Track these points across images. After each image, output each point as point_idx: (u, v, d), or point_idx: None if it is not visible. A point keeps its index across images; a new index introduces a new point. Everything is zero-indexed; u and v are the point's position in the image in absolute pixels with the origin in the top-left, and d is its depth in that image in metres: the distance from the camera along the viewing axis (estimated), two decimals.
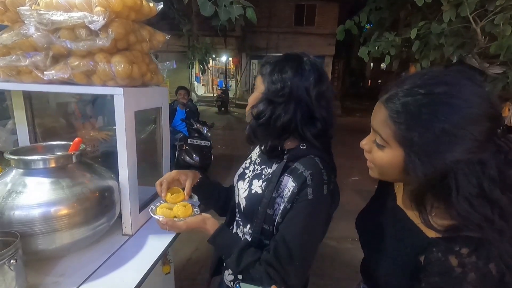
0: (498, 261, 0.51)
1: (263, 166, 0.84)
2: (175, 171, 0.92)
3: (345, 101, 15.08)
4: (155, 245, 1.02)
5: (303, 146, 0.77)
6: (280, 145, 0.78)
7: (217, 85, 15.17)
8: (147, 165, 1.34)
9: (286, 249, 0.70)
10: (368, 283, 0.84)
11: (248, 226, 0.83)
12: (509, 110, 3.22)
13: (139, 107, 1.04)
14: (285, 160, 0.76)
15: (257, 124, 0.78)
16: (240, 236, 0.86)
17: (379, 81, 16.26)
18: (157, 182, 0.87)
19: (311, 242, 0.74)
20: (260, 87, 0.79)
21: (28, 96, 1.29)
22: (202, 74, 13.88)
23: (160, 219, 0.79)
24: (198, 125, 4.06)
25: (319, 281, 2.38)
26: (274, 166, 0.80)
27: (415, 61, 3.62)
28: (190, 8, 8.50)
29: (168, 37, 1.19)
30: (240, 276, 0.83)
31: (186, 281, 2.23)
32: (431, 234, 0.59)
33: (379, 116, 0.59)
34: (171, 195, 0.86)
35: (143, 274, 0.88)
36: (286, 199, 0.73)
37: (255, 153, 0.94)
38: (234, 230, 0.91)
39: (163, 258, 1.15)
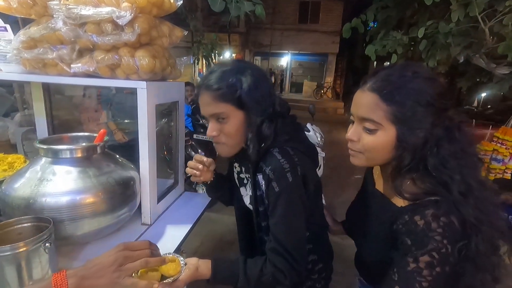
0: (458, 214, 0.58)
1: (247, 174, 0.91)
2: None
3: (347, 99, 15.02)
4: (173, 235, 1.05)
5: (262, 145, 0.79)
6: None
7: None
8: (159, 158, 1.38)
9: (276, 236, 0.77)
10: (362, 272, 0.91)
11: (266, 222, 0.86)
12: None
13: (160, 101, 1.07)
14: (249, 165, 0.84)
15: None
16: (232, 259, 0.81)
17: None
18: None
19: (293, 225, 0.78)
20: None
21: (47, 89, 1.32)
22: (206, 70, 13.86)
23: (154, 286, 0.60)
24: (204, 121, 4.07)
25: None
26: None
27: (421, 60, 3.62)
28: (195, 4, 8.48)
29: (186, 32, 1.22)
30: None
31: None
32: (401, 203, 0.67)
33: (367, 103, 0.66)
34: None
35: None
36: (264, 194, 0.80)
37: (237, 162, 0.98)
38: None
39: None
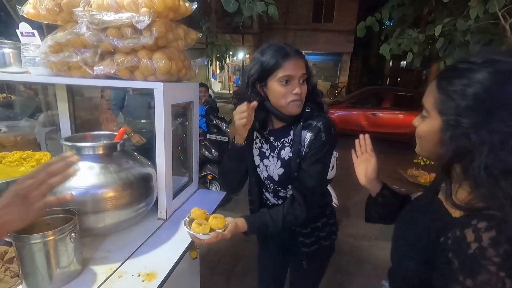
0: None
1: (283, 139, 1.04)
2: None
3: None
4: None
5: (308, 109, 1.00)
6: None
7: (234, 82, 15.29)
8: (174, 157, 1.43)
9: (307, 175, 0.97)
10: (391, 281, 0.81)
11: (290, 187, 1.06)
12: None
13: (175, 101, 1.12)
14: (301, 123, 0.99)
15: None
16: (258, 214, 1.02)
17: (398, 79, 15.85)
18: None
19: (323, 169, 1.00)
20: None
21: (70, 90, 1.40)
22: (220, 71, 14.02)
23: (209, 235, 0.82)
24: (217, 121, 4.13)
25: (336, 276, 2.42)
26: (291, 132, 1.02)
27: (438, 59, 3.54)
28: (209, 5, 8.60)
29: (200, 35, 1.26)
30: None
31: (207, 270, 2.32)
32: (456, 214, 0.58)
33: (429, 88, 0.62)
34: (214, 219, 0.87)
35: (179, 256, 0.95)
36: (305, 146, 0.98)
37: (258, 137, 1.12)
38: (269, 198, 1.15)
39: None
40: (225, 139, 4.06)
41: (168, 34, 1.04)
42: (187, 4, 1.12)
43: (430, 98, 0.61)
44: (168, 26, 1.03)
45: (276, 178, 1.06)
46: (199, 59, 1.29)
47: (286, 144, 1.04)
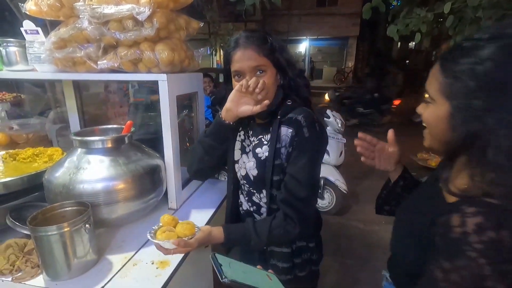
0: None
1: (260, 136, 0.93)
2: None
3: None
4: (198, 218, 1.12)
5: (289, 102, 0.89)
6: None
7: None
8: (182, 150, 1.44)
9: (295, 182, 0.82)
10: (390, 269, 0.80)
11: (264, 192, 0.91)
12: None
13: (180, 92, 1.12)
14: (279, 117, 0.87)
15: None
16: (242, 223, 0.88)
17: (407, 61, 15.42)
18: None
19: (314, 172, 0.86)
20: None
21: (77, 86, 1.41)
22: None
23: (169, 242, 0.71)
24: None
25: (346, 261, 2.44)
26: (271, 128, 0.88)
27: (448, 37, 3.41)
28: None
29: (202, 24, 1.25)
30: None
31: None
32: (451, 200, 0.56)
33: (431, 72, 0.58)
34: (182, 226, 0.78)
35: None
36: (287, 145, 0.84)
37: (242, 129, 1.00)
38: (243, 202, 1.01)
39: None
40: None
41: (169, 25, 1.03)
42: None
43: (434, 83, 0.56)
44: (169, 16, 1.02)
45: (251, 178, 0.93)
46: (201, 49, 1.28)
47: (265, 142, 0.90)
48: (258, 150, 0.91)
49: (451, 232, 0.49)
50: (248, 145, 0.96)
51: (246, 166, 0.95)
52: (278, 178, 0.87)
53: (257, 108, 0.83)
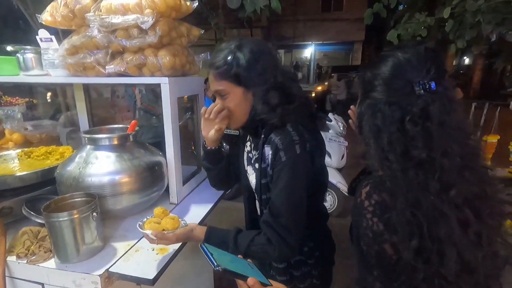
0: (391, 193, 0.58)
1: (256, 151, 0.91)
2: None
3: None
4: (198, 213, 1.19)
5: (275, 120, 0.83)
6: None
7: None
8: (187, 153, 1.52)
9: (274, 207, 0.80)
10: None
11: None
12: None
13: (181, 94, 1.21)
14: (262, 135, 0.84)
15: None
16: (228, 229, 0.87)
17: None
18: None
19: (294, 197, 0.79)
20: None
21: (87, 90, 1.52)
22: None
23: (149, 232, 0.78)
24: None
25: (346, 261, 2.46)
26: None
27: (449, 41, 3.45)
28: (216, 1, 8.63)
29: (202, 31, 1.33)
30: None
31: None
32: None
33: None
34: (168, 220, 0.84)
35: None
36: (269, 166, 0.82)
37: (249, 140, 0.99)
38: (257, 208, 0.99)
39: None
40: (236, 132, 4.13)
41: (171, 32, 1.12)
42: (188, 3, 1.20)
43: None
44: (171, 24, 1.11)
45: (254, 189, 0.93)
46: (202, 54, 1.36)
47: (254, 161, 0.92)
48: (256, 165, 0.90)
49: (355, 202, 0.65)
50: (251, 158, 0.96)
51: (250, 177, 0.96)
52: (265, 197, 0.86)
53: (211, 133, 0.91)
